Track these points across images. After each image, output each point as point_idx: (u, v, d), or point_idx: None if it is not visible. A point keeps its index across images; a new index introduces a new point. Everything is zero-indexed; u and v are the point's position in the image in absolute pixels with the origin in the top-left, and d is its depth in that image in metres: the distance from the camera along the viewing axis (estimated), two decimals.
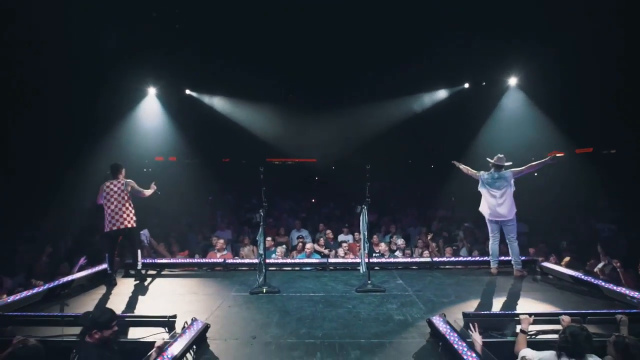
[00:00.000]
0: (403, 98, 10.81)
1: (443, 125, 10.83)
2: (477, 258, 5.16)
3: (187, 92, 10.67)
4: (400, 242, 6.06)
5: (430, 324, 3.01)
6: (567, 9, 6.34)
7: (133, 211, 4.46)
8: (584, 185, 9.45)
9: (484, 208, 4.72)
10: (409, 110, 10.90)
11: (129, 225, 4.38)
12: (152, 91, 9.81)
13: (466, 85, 10.48)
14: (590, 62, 7.68)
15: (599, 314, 3.04)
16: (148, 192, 4.63)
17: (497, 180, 4.57)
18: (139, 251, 4.68)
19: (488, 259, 4.85)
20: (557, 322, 2.85)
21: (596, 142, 12.75)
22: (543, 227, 7.22)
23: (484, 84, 10.42)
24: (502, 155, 4.67)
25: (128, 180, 4.46)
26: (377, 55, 8.72)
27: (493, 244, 4.69)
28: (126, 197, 4.39)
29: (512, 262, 4.57)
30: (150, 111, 10.06)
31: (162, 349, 2.63)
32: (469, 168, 4.91)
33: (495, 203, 4.55)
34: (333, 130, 10.83)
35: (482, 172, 4.75)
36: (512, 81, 9.88)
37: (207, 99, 11.04)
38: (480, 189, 4.72)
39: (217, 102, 11.15)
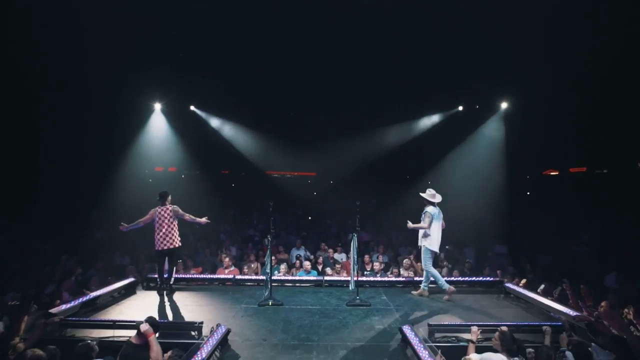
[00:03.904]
0: (403, 122, 12.24)
1: (440, 144, 12.20)
2: (453, 278, 6.37)
3: (192, 108, 12.00)
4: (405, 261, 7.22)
5: (401, 332, 4.21)
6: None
7: (178, 232, 5.67)
8: (571, 207, 10.71)
9: (434, 241, 5.49)
10: (407, 133, 12.30)
11: (176, 245, 5.67)
12: (157, 106, 11.18)
13: (460, 108, 11.81)
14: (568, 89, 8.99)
15: (530, 325, 4.25)
16: (188, 217, 5.73)
17: (440, 213, 5.59)
18: (175, 268, 5.89)
19: (464, 279, 6.16)
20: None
21: (589, 162, 14.10)
22: (521, 249, 8.45)
23: (477, 107, 11.77)
24: (434, 191, 5.61)
25: (174, 206, 5.67)
26: (380, 83, 10.06)
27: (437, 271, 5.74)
28: (174, 222, 5.60)
29: (422, 284, 5.72)
30: (155, 124, 11.46)
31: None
32: (421, 225, 5.52)
33: (441, 235, 5.55)
34: (335, 149, 12.15)
35: (429, 210, 5.51)
36: (504, 105, 11.23)
37: (209, 117, 12.39)
38: (434, 224, 5.46)
39: (218, 122, 12.56)
